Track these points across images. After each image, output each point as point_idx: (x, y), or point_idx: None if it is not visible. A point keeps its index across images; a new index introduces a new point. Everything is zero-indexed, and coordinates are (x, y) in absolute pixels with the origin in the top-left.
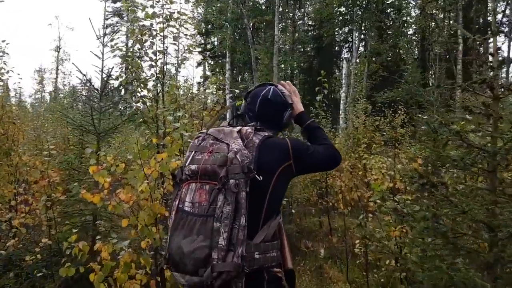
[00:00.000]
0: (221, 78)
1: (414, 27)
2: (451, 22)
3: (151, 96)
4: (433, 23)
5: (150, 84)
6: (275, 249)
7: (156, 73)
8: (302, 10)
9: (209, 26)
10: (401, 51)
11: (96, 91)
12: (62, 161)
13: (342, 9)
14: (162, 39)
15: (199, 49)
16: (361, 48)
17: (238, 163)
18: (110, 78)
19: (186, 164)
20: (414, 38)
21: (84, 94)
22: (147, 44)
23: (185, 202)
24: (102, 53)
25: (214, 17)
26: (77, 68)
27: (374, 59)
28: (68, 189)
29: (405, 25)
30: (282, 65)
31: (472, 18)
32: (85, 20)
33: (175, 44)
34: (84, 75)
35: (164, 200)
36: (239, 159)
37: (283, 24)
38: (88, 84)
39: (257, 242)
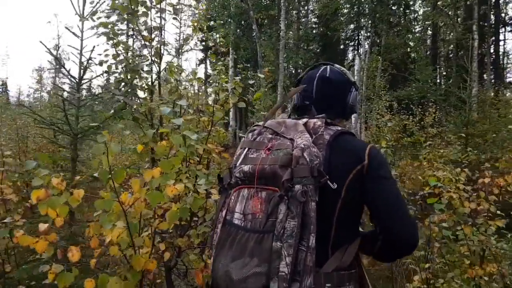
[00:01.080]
0: (223, 76)
1: (425, 23)
2: (459, 19)
3: (144, 85)
4: (444, 19)
5: (144, 70)
6: (353, 280)
7: (150, 56)
8: (306, 8)
9: (211, 23)
10: (408, 48)
11: (73, 79)
12: (21, 172)
13: (348, 5)
14: (159, 13)
15: (201, 47)
16: (367, 45)
17: (306, 164)
18: (91, 63)
19: (237, 164)
20: (424, 35)
21: (53, 83)
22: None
23: (234, 213)
24: (81, 31)
25: (217, 12)
26: (47, 48)
27: (387, 55)
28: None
29: (414, 22)
30: (286, 64)
31: (485, 14)
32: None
33: (176, 19)
34: (56, 57)
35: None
36: (307, 159)
37: (289, 20)
38: (60, 70)
39: (328, 271)
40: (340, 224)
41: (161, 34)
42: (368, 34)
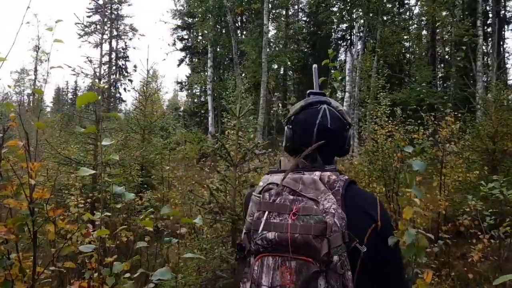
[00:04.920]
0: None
1: (421, 20)
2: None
3: None
4: (444, 13)
5: None
6: None
7: None
8: (296, 7)
9: (190, 20)
10: (403, 49)
11: None
12: None
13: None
14: None
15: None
16: (360, 44)
17: (338, 230)
18: None
19: (259, 231)
20: (421, 33)
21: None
22: None
23: (261, 286)
24: None
25: (195, 5)
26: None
27: (383, 51)
28: None
29: (410, 20)
30: (271, 63)
31: (486, 11)
32: (65, 17)
33: None
34: None
35: None
36: (338, 224)
37: (275, 15)
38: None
39: None
40: (358, 286)
41: None
42: (361, 29)
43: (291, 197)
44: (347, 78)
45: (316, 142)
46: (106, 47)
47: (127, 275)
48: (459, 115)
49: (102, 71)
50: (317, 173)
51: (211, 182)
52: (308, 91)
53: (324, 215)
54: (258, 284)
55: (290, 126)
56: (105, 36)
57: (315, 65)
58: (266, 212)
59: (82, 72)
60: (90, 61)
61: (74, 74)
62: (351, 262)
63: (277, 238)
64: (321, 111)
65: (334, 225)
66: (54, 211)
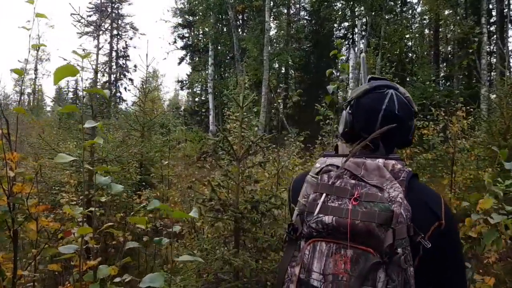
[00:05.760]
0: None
1: (424, 19)
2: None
3: None
4: (447, 11)
5: None
6: None
7: None
8: (298, 6)
9: (191, 18)
10: (405, 48)
11: None
12: None
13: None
14: None
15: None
16: (362, 44)
17: (403, 222)
18: None
19: (315, 213)
20: (423, 32)
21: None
22: None
23: (312, 272)
24: None
25: (196, 3)
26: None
27: (386, 48)
28: None
29: (412, 19)
30: (273, 61)
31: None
32: (66, 16)
33: None
34: None
35: None
36: (404, 215)
37: (276, 12)
38: None
39: None
40: (417, 285)
41: None
42: (364, 28)
43: (353, 181)
44: (350, 75)
45: (380, 129)
46: (106, 47)
47: (118, 279)
48: (471, 109)
49: (100, 63)
50: (381, 160)
51: (212, 179)
52: (369, 76)
53: (390, 203)
54: (309, 269)
55: (350, 111)
56: (106, 36)
57: (363, 54)
58: (324, 195)
59: (78, 65)
60: (85, 51)
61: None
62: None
63: (334, 223)
64: (388, 95)
65: (400, 215)
66: (36, 208)
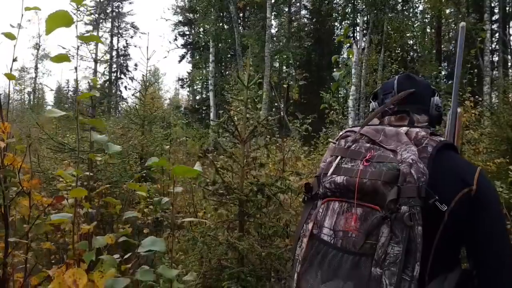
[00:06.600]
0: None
1: (426, 16)
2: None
3: None
4: (448, 10)
5: None
6: None
7: None
8: (298, 4)
9: (192, 15)
10: (406, 47)
11: None
12: None
13: None
14: None
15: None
16: (364, 42)
17: (413, 182)
18: None
19: (328, 174)
20: (425, 30)
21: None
22: None
23: (323, 228)
24: None
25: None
26: None
27: (390, 43)
28: None
29: (414, 18)
30: (274, 58)
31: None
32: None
33: None
34: None
35: None
36: (414, 176)
37: (278, 10)
38: None
39: None
40: (439, 251)
41: None
42: (365, 26)
43: (368, 145)
44: (353, 71)
45: (398, 88)
46: (106, 47)
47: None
48: (480, 99)
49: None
50: (404, 128)
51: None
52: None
53: (399, 164)
54: (320, 225)
55: (375, 99)
56: (107, 36)
57: (463, 23)
58: (339, 157)
59: (77, 54)
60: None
61: (71, 70)
62: (433, 226)
63: (345, 182)
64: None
65: (409, 175)
66: (29, 182)
